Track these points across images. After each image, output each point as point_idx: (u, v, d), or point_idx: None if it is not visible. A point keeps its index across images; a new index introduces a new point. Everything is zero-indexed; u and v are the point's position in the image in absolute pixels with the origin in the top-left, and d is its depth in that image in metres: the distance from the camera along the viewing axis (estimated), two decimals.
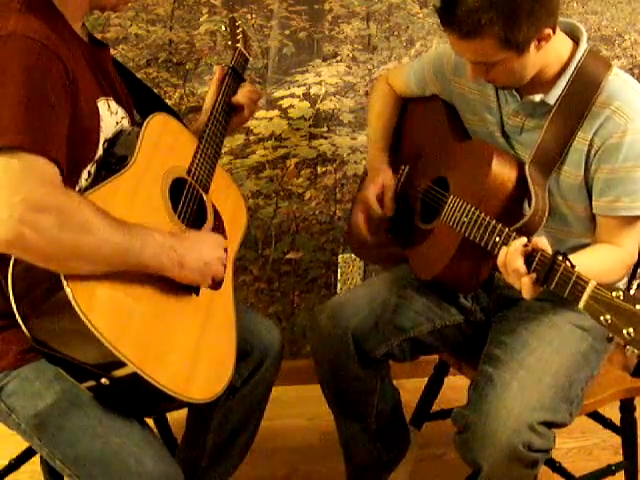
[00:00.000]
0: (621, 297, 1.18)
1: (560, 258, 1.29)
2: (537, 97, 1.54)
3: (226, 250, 1.43)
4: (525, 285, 1.32)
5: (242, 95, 1.67)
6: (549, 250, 1.33)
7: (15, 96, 1.15)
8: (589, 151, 1.51)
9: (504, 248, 1.38)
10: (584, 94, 1.50)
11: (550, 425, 1.48)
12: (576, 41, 1.54)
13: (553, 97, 1.53)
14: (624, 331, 1.16)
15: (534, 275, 1.32)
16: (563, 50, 1.53)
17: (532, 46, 1.44)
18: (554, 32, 1.45)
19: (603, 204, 1.53)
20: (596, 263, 1.48)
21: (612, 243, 1.53)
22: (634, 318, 1.16)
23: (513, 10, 1.38)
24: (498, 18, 1.38)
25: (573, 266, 1.28)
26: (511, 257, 1.35)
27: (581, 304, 1.23)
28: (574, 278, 1.25)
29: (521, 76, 1.50)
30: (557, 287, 1.28)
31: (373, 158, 1.84)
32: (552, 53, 1.51)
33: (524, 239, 1.36)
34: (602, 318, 1.19)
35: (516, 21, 1.38)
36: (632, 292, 1.19)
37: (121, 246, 1.20)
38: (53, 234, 1.13)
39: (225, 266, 1.42)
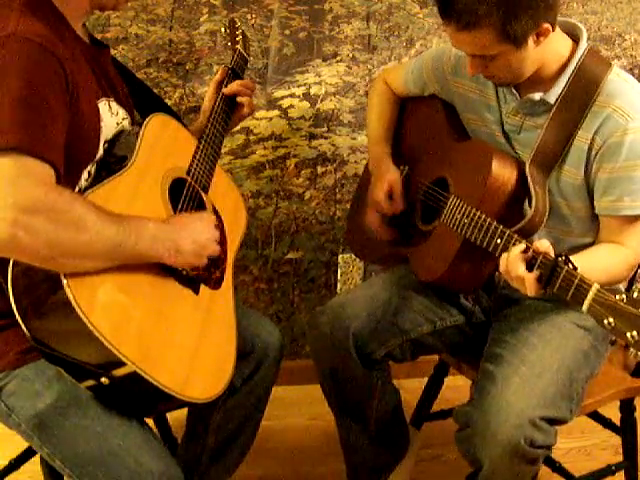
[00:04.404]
0: (624, 300, 1.18)
1: (562, 261, 1.28)
2: (537, 95, 1.54)
3: (220, 228, 1.43)
4: (529, 283, 1.32)
5: (238, 90, 1.66)
6: (551, 253, 1.32)
7: (12, 97, 1.14)
8: (590, 150, 1.51)
9: (504, 255, 1.38)
10: (584, 93, 1.50)
11: (551, 421, 1.48)
12: (576, 40, 1.54)
13: (553, 96, 1.53)
14: (628, 334, 1.16)
15: (537, 272, 1.31)
16: (562, 49, 1.53)
17: (530, 41, 1.44)
18: (553, 28, 1.45)
19: (605, 204, 1.52)
20: (599, 262, 1.48)
21: (616, 243, 1.53)
22: (637, 321, 1.15)
23: (512, 2, 1.39)
24: (497, 9, 1.39)
25: (575, 268, 1.27)
26: (512, 265, 1.35)
27: (584, 307, 1.23)
28: (577, 281, 1.25)
29: (520, 72, 1.50)
30: (560, 290, 1.28)
31: (375, 158, 1.84)
32: (551, 51, 1.51)
33: (523, 245, 1.36)
34: (606, 321, 1.19)
35: (515, 13, 1.39)
36: (635, 295, 1.18)
37: (116, 241, 1.20)
38: (47, 235, 1.13)
39: (222, 245, 1.43)
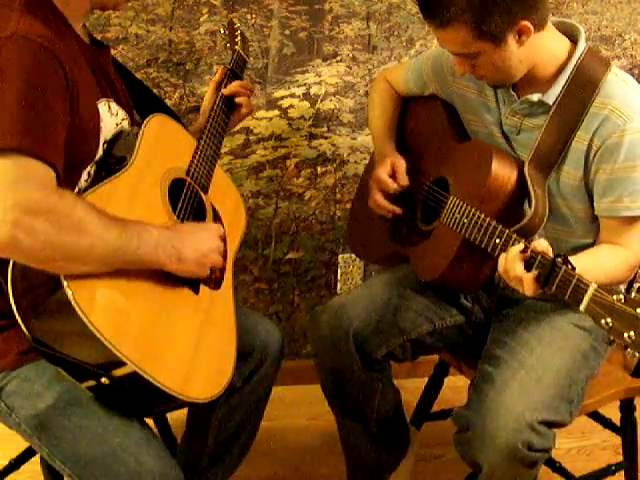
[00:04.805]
0: (622, 300, 1.18)
1: (560, 261, 1.28)
2: (535, 96, 1.54)
3: (224, 239, 1.43)
4: (527, 282, 1.32)
5: (237, 91, 1.67)
6: (550, 253, 1.32)
7: (13, 98, 1.14)
8: (588, 151, 1.51)
9: (503, 255, 1.38)
10: (583, 94, 1.50)
11: (550, 424, 1.48)
12: (574, 41, 1.54)
13: (551, 96, 1.53)
14: (625, 334, 1.16)
15: (535, 272, 1.31)
16: (559, 49, 1.53)
17: (510, 39, 1.44)
18: (536, 28, 1.45)
19: (604, 205, 1.52)
20: (598, 264, 1.48)
21: (616, 244, 1.53)
22: (635, 321, 1.16)
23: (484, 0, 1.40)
24: (469, 7, 1.40)
25: (574, 268, 1.27)
26: (510, 264, 1.35)
27: (582, 307, 1.23)
28: (575, 281, 1.25)
29: (508, 72, 1.51)
30: (558, 290, 1.28)
31: (381, 149, 1.83)
32: (544, 51, 1.51)
33: (522, 245, 1.36)
34: (603, 321, 1.19)
35: (487, 10, 1.40)
36: (633, 295, 1.18)
37: (117, 245, 1.20)
38: (47, 237, 1.13)
39: (224, 256, 1.43)
